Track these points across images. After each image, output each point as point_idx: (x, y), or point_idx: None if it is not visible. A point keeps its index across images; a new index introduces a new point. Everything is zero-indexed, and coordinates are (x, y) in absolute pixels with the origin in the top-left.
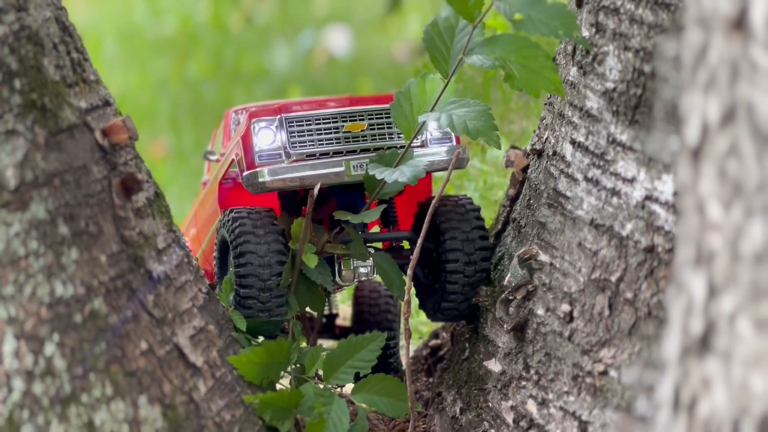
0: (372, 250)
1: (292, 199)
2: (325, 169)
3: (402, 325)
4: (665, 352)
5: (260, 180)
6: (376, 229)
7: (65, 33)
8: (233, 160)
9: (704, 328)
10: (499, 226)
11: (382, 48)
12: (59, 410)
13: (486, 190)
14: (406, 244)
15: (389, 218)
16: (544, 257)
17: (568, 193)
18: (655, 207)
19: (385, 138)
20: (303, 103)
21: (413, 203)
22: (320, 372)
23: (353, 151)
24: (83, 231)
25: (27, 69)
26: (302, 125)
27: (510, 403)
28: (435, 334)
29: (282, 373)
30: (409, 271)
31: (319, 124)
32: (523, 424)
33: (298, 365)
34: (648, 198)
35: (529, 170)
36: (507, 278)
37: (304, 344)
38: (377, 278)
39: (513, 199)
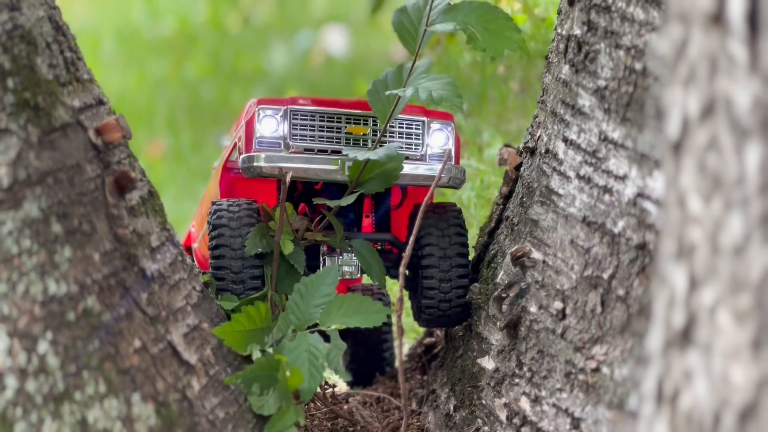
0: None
1: (290, 192)
2: (320, 165)
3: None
4: (649, 346)
5: (255, 164)
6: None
7: (58, 32)
8: (235, 143)
9: (686, 321)
10: (492, 224)
11: (379, 48)
12: (52, 408)
13: (483, 189)
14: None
15: (384, 229)
16: (536, 255)
17: (561, 191)
18: (647, 204)
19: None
20: (314, 101)
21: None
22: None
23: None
24: (76, 229)
25: (20, 68)
26: (306, 119)
27: (503, 400)
28: (429, 332)
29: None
30: (401, 269)
31: (323, 120)
32: (516, 421)
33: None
34: (640, 195)
35: (522, 168)
36: (500, 276)
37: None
38: (365, 279)
39: (506, 197)
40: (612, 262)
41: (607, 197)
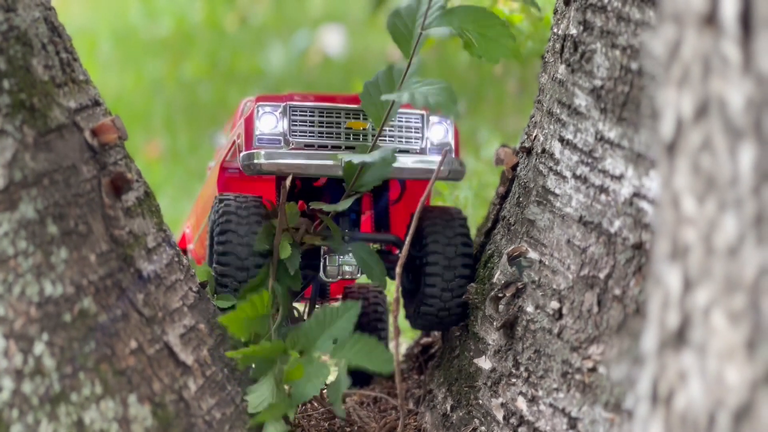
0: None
1: (290, 188)
2: (319, 161)
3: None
4: (644, 346)
5: (255, 161)
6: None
7: (54, 33)
8: (235, 141)
9: (680, 322)
10: (489, 224)
11: (376, 48)
12: (49, 409)
13: (480, 188)
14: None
15: (383, 225)
16: (533, 255)
17: (557, 191)
18: (643, 204)
19: (385, 139)
20: (312, 97)
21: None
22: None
23: (352, 148)
24: (72, 230)
25: (16, 69)
26: (305, 115)
27: (500, 400)
28: (426, 332)
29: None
30: (398, 269)
31: (322, 116)
32: (513, 421)
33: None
34: (636, 195)
35: (518, 168)
36: (497, 276)
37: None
38: (364, 278)
39: (503, 197)
40: (608, 261)
41: (603, 197)
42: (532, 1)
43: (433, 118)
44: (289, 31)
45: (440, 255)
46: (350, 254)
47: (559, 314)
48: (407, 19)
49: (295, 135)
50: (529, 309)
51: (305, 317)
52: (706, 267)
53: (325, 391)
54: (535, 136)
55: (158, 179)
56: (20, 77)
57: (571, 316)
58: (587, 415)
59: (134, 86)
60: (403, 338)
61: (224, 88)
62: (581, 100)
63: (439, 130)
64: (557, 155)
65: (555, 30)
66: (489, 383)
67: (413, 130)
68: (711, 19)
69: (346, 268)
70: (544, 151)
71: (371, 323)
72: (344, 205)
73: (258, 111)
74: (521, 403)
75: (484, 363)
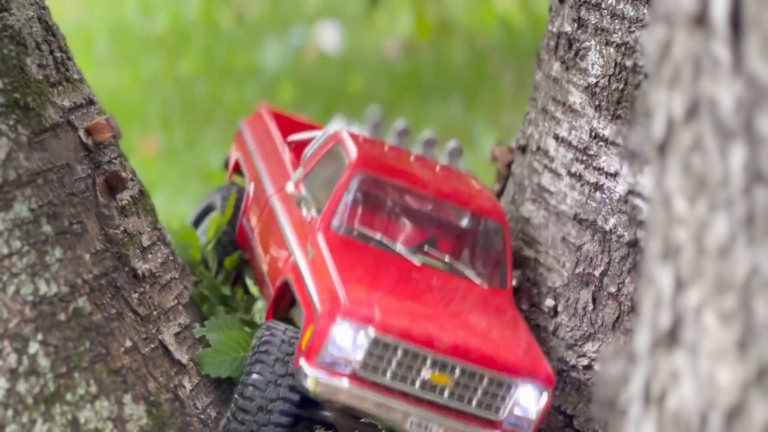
0: None
1: None
2: (381, 413)
3: None
4: (636, 346)
5: (305, 384)
6: None
7: (48, 32)
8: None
9: (672, 322)
10: None
11: (372, 44)
12: (43, 409)
13: None
14: None
15: None
16: (528, 252)
17: (552, 188)
18: (638, 201)
19: (464, 403)
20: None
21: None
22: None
23: (421, 402)
24: (67, 229)
25: (9, 68)
26: (387, 351)
27: None
28: None
29: None
30: None
31: (405, 357)
32: None
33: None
34: (631, 192)
35: (513, 166)
36: None
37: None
38: None
39: (498, 195)
40: (603, 259)
41: (598, 194)
42: None
43: (524, 385)
44: (284, 27)
45: None
46: None
47: (554, 312)
48: None
49: (366, 369)
50: (524, 306)
51: None
52: (698, 267)
53: None
54: (530, 134)
55: (154, 177)
56: (14, 76)
57: (567, 313)
58: (582, 412)
59: (130, 83)
60: None
61: (220, 85)
62: (576, 98)
63: (529, 398)
64: (552, 153)
65: (549, 27)
66: None
67: (491, 396)
68: (701, 20)
69: None
70: (539, 148)
71: None
72: None
73: (338, 326)
74: None
75: None
